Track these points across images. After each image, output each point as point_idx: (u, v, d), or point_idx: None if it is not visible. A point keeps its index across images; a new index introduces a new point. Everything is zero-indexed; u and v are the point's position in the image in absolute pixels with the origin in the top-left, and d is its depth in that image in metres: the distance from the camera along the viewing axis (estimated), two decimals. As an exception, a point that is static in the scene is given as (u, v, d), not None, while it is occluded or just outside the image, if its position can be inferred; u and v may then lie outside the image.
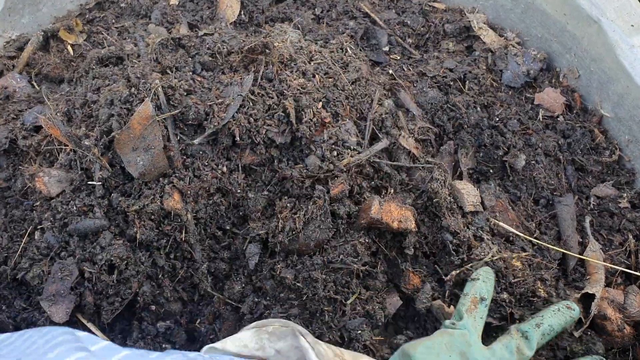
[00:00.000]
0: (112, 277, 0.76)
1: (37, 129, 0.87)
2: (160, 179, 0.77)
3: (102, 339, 0.44)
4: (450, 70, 1.03)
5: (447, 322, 0.72)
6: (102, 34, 1.10)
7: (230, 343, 0.54)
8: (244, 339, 0.55)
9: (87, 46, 1.08)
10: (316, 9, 1.16)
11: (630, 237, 0.89)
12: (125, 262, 0.76)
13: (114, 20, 1.14)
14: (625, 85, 0.94)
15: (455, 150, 0.95)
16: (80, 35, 1.11)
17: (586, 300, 0.81)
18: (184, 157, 0.78)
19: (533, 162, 0.94)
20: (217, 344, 0.55)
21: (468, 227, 0.84)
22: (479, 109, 0.98)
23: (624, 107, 0.95)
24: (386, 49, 1.07)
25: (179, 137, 0.79)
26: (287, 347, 0.54)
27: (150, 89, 0.78)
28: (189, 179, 0.77)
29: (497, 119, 0.97)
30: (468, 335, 0.69)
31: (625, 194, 0.93)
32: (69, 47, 1.09)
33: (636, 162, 0.95)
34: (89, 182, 0.78)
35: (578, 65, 1.02)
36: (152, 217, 0.77)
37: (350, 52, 0.97)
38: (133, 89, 0.79)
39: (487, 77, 1.03)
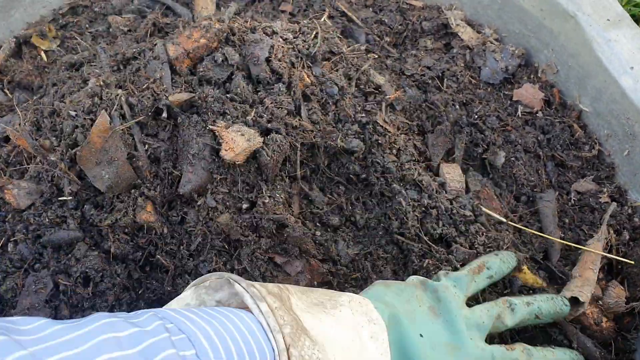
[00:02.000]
0: (87, 289, 0.75)
1: (7, 139, 0.85)
2: (132, 190, 0.76)
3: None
4: (429, 68, 1.02)
5: (442, 272, 0.72)
6: (76, 39, 1.08)
7: (175, 303, 0.54)
8: (186, 297, 0.55)
9: (60, 52, 1.06)
10: (294, 9, 1.15)
11: (611, 232, 0.88)
12: (101, 274, 0.75)
13: (87, 25, 1.12)
14: (603, 80, 0.93)
15: (452, 131, 0.94)
16: (53, 41, 1.09)
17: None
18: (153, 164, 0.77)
19: (513, 158, 0.94)
20: (165, 307, 0.54)
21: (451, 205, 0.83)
22: (457, 106, 0.97)
23: (602, 101, 0.95)
24: (364, 48, 1.06)
25: (146, 146, 0.77)
26: (226, 297, 0.54)
27: (112, 99, 0.76)
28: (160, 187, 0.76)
29: (476, 117, 0.97)
30: (449, 290, 0.68)
31: (605, 189, 0.93)
32: (42, 54, 1.07)
33: (616, 157, 0.95)
34: (60, 198, 0.76)
35: (556, 61, 1.02)
36: (126, 230, 0.76)
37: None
38: (96, 99, 0.78)
39: (465, 75, 1.02)
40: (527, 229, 0.87)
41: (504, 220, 0.86)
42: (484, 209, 0.85)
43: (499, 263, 0.76)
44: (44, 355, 0.36)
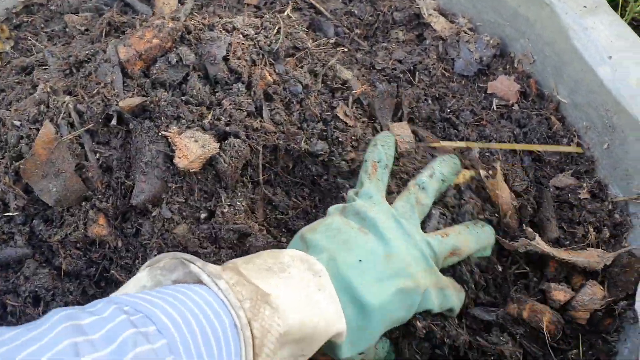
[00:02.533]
0: (38, 309, 0.71)
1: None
2: (83, 202, 0.72)
3: None
4: (400, 61, 0.98)
5: (351, 191, 0.74)
6: (30, 40, 1.03)
7: (131, 286, 0.53)
8: (142, 278, 0.54)
9: (14, 54, 1.01)
10: (259, 2, 1.10)
11: (591, 229, 0.85)
12: (52, 292, 0.71)
13: (43, 25, 1.06)
14: (580, 69, 0.89)
15: (398, 93, 0.92)
16: (6, 43, 1.04)
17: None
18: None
19: (487, 154, 0.90)
20: (119, 290, 0.54)
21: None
22: (429, 101, 0.93)
23: (579, 92, 0.91)
24: (333, 41, 1.02)
25: (97, 155, 0.73)
26: (181, 276, 0.53)
27: (59, 106, 0.72)
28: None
29: (449, 111, 0.93)
30: (366, 204, 0.70)
31: (585, 184, 0.89)
32: (-5, 56, 1.02)
33: (595, 150, 0.91)
34: (5, 214, 0.72)
35: (532, 50, 0.98)
36: (78, 245, 0.71)
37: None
38: (42, 107, 0.73)
39: (438, 67, 0.98)
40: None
41: (441, 144, 0.87)
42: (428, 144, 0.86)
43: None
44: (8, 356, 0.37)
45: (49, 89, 0.76)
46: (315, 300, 0.58)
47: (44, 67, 0.87)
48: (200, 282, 0.52)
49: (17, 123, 0.72)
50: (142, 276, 0.54)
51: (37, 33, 1.05)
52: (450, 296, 0.71)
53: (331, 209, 0.73)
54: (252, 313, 0.50)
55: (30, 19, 1.07)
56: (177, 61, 0.78)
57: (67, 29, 1.03)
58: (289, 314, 0.53)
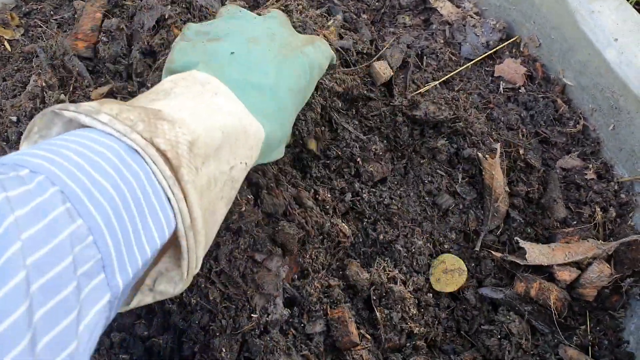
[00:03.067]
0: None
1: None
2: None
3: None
4: (408, 46, 0.99)
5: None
6: (41, 27, 1.04)
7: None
8: (25, 151, 0.41)
9: (24, 41, 1.02)
10: (267, -12, 1.10)
11: (598, 209, 0.86)
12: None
13: (52, 12, 1.07)
14: (587, 53, 0.90)
15: None
16: (17, 30, 1.04)
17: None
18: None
19: (496, 137, 0.91)
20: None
21: None
22: (438, 85, 0.94)
23: (586, 75, 0.92)
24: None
25: None
26: (62, 130, 0.45)
27: (54, 102, 0.72)
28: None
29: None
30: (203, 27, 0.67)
31: (591, 165, 0.90)
32: (6, 43, 1.02)
33: (601, 131, 0.92)
34: None
35: (538, 34, 0.99)
36: None
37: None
38: (37, 101, 0.73)
39: (445, 51, 0.99)
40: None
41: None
42: None
43: None
44: None
45: (43, 84, 0.76)
46: (216, 104, 0.53)
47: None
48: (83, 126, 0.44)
49: (14, 119, 0.73)
50: (24, 148, 0.44)
51: (46, 20, 1.05)
52: (322, 45, 0.70)
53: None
54: (150, 132, 0.43)
55: (39, 6, 1.08)
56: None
57: (76, 16, 1.04)
58: (190, 123, 0.47)
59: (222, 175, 0.50)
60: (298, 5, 0.91)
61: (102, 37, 0.79)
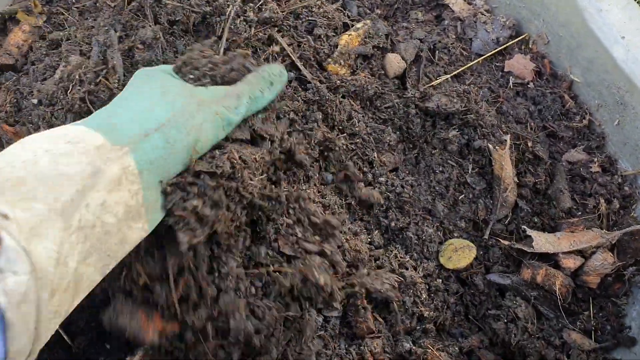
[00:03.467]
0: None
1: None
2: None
3: None
4: (420, 40, 1.02)
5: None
6: (63, 14, 1.06)
7: None
8: None
9: (47, 28, 1.05)
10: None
11: (602, 200, 0.89)
12: None
13: (74, 0, 1.10)
14: (594, 50, 0.94)
15: None
16: (39, 17, 1.07)
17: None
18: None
19: (506, 129, 0.94)
20: None
21: None
22: (449, 79, 0.97)
23: (593, 71, 0.95)
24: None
25: None
26: None
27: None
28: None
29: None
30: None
31: (596, 159, 0.94)
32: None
33: (606, 126, 0.95)
34: None
35: (547, 31, 1.02)
36: None
37: None
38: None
39: (456, 47, 1.02)
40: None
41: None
42: None
43: None
44: None
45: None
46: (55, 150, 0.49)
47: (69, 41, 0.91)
48: None
49: (35, 101, 0.77)
50: None
51: (68, 8, 1.08)
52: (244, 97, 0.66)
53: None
54: None
55: (61, -6, 1.10)
56: None
57: (97, 4, 1.07)
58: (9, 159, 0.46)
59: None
60: (317, 0, 0.94)
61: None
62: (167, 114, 0.57)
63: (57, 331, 0.75)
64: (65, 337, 0.75)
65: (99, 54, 0.82)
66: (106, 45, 0.83)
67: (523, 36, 1.04)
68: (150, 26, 0.84)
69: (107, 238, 0.49)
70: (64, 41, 0.93)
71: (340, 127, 0.87)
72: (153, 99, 0.59)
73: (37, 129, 0.77)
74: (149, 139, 0.54)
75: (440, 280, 0.84)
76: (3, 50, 0.98)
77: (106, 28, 0.88)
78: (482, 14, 1.07)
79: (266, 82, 0.70)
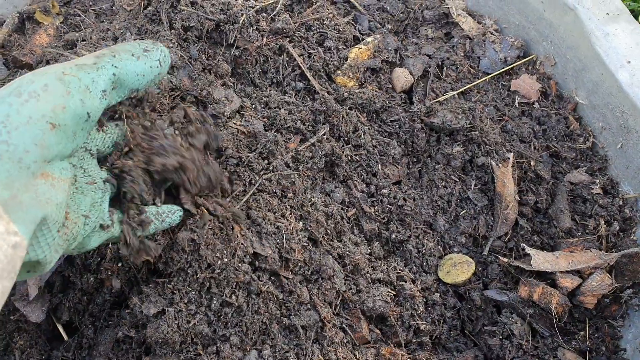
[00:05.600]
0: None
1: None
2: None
3: None
4: (429, 56, 1.03)
5: None
6: (80, 16, 1.09)
7: None
8: None
9: (63, 29, 1.07)
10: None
11: (602, 222, 0.90)
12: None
13: (91, 2, 1.12)
14: (600, 73, 0.95)
15: None
16: (56, 18, 1.09)
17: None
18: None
19: (509, 147, 0.95)
20: None
21: None
22: (456, 95, 0.98)
23: (598, 94, 0.96)
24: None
25: None
26: None
27: None
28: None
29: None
30: None
31: (597, 180, 0.94)
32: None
33: (609, 149, 0.96)
34: None
35: (554, 53, 1.03)
36: None
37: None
38: None
39: (464, 64, 1.03)
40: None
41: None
42: None
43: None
44: None
45: None
46: None
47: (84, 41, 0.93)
48: None
49: None
50: None
51: (85, 10, 1.10)
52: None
53: None
54: None
55: (79, -4, 1.13)
56: None
57: (114, 7, 1.09)
58: None
59: None
60: (329, 13, 0.96)
61: None
62: None
63: (55, 328, 0.77)
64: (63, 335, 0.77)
65: None
66: None
67: (530, 57, 1.06)
68: (164, 31, 0.86)
69: None
70: (79, 42, 0.95)
71: (346, 139, 0.89)
72: None
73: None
74: None
75: (438, 294, 0.85)
76: (28, 49, 1.01)
77: (121, 31, 0.90)
78: (491, 34, 1.09)
79: (138, 47, 0.58)
